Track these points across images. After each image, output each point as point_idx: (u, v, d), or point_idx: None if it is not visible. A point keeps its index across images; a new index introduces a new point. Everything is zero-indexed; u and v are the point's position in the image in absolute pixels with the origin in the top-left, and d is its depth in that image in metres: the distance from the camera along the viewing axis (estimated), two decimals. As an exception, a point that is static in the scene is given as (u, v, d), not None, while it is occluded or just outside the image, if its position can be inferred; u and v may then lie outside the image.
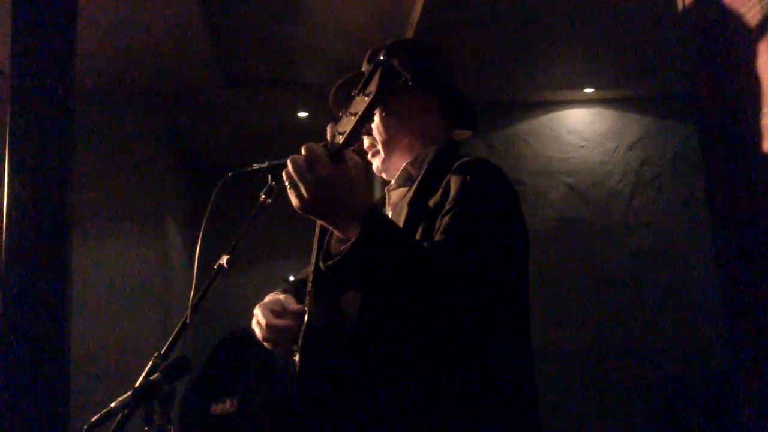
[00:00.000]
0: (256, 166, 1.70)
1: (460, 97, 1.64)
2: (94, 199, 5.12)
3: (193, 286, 1.61)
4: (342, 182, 1.19)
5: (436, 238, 1.34)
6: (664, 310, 5.53)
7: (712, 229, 2.11)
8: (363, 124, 1.17)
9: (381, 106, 1.54)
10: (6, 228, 2.34)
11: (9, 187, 2.34)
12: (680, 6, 2.20)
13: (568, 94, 5.80)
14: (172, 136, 6.22)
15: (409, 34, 4.60)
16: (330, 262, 1.21)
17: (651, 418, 5.36)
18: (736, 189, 1.96)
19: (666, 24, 4.36)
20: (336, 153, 1.19)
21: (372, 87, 1.16)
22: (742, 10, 1.88)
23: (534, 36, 4.80)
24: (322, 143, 1.22)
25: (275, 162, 1.66)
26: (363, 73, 1.22)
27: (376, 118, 1.58)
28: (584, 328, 5.47)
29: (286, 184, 1.22)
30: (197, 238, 1.65)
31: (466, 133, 1.69)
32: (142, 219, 5.47)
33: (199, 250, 1.62)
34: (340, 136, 1.19)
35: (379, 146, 1.60)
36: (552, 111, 5.86)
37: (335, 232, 1.26)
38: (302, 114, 6.17)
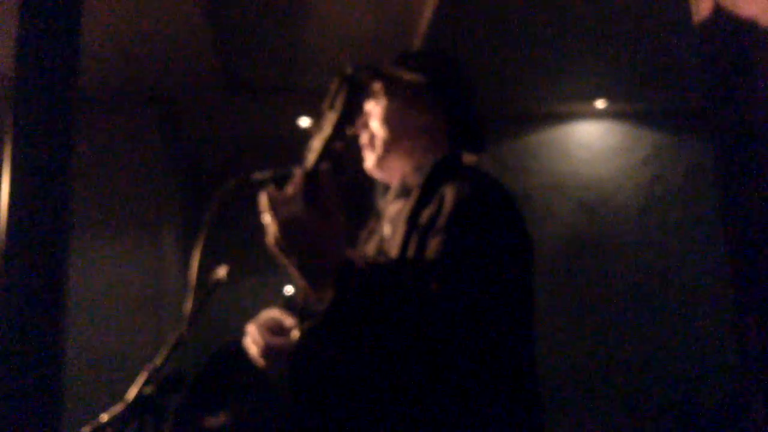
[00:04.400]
0: (258, 175, 1.67)
1: (467, 117, 1.60)
2: (90, 204, 5.07)
3: (191, 297, 1.58)
4: (314, 226, 1.12)
5: (429, 254, 1.29)
6: (673, 330, 5.47)
7: (725, 249, 2.06)
8: (333, 142, 1.15)
9: (386, 102, 1.52)
10: (5, 233, 2.33)
11: (8, 192, 2.33)
12: (694, 16, 2.16)
13: (579, 107, 5.76)
14: (172, 142, 6.20)
15: (417, 43, 4.58)
16: (308, 324, 1.17)
17: (658, 439, 5.30)
18: (752, 207, 1.92)
19: (680, 35, 4.33)
20: (309, 172, 1.15)
21: (338, 103, 1.14)
22: (760, 20, 1.84)
23: (544, 48, 4.78)
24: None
25: (278, 171, 1.63)
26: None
27: (381, 113, 1.55)
28: (591, 346, 5.41)
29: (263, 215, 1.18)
30: (195, 247, 1.61)
31: (471, 158, 1.64)
32: (138, 226, 5.44)
33: (197, 260, 1.59)
34: (312, 155, 1.17)
35: (378, 144, 1.56)
36: (562, 124, 5.83)
37: (302, 285, 1.19)
38: (305, 121, 6.16)
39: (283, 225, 1.12)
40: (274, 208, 1.13)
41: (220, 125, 6.41)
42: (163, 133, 5.84)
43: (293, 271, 1.17)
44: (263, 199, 1.16)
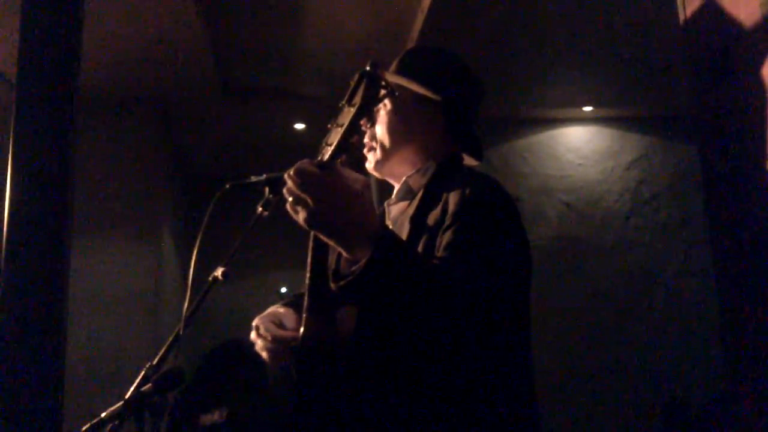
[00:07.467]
0: (254, 179, 1.69)
1: (470, 128, 1.62)
2: (88, 207, 5.08)
3: (187, 297, 1.60)
4: (344, 190, 1.16)
5: (438, 254, 1.32)
6: (660, 330, 5.52)
7: (711, 250, 2.10)
8: (350, 136, 1.17)
9: (391, 106, 1.53)
10: (6, 235, 2.34)
11: (11, 194, 2.35)
12: (681, 20, 2.19)
13: (567, 112, 5.81)
14: (169, 146, 6.22)
15: (410, 48, 4.61)
16: (342, 283, 1.19)
17: (646, 439, 5.34)
18: (736, 210, 1.95)
19: (667, 42, 4.37)
20: (326, 165, 1.17)
21: (357, 98, 1.16)
22: (745, 25, 1.88)
23: (533, 53, 4.82)
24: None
25: (273, 175, 1.65)
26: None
27: (384, 117, 1.57)
28: (579, 347, 5.45)
29: (289, 200, 1.19)
30: (192, 249, 1.63)
31: (472, 161, 1.67)
32: (136, 229, 5.46)
33: (194, 261, 1.61)
34: (328, 148, 1.19)
35: (379, 145, 1.58)
36: (551, 129, 5.87)
37: (342, 252, 1.21)
38: (299, 126, 6.18)
39: (321, 199, 1.15)
40: (309, 189, 1.16)
41: (216, 129, 6.42)
42: (161, 136, 5.86)
43: (331, 241, 1.20)
44: (289, 179, 1.17)
